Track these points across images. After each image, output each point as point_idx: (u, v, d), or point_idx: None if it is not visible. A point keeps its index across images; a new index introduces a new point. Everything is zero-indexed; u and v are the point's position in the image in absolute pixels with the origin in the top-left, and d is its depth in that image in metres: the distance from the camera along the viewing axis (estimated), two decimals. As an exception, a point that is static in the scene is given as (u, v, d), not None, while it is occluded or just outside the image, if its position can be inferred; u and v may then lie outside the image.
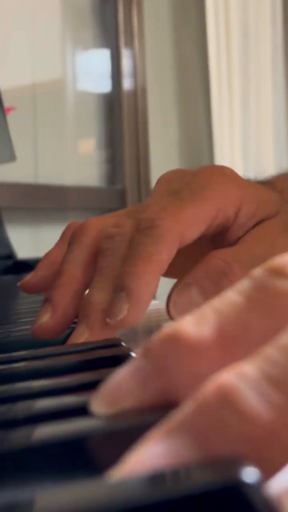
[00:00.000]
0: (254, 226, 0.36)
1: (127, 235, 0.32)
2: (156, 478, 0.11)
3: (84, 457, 0.14)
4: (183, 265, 0.34)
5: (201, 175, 0.36)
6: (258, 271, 0.16)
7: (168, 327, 0.15)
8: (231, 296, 0.15)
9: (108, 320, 0.29)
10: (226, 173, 0.36)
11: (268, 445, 0.12)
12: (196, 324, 0.15)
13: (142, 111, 1.94)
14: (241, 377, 0.13)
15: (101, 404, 0.15)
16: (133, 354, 0.23)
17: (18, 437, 0.15)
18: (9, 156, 0.99)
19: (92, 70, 1.90)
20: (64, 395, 0.18)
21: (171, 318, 0.33)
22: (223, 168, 0.37)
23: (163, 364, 0.15)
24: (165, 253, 0.30)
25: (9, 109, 1.34)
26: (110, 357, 0.23)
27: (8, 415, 0.17)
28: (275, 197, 0.37)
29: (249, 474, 0.11)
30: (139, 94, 1.93)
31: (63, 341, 0.31)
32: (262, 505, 0.11)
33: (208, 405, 0.13)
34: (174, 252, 0.31)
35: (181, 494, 0.11)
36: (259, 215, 0.36)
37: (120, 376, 0.15)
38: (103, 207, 1.87)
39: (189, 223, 0.32)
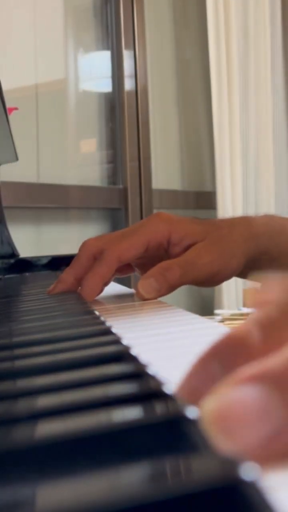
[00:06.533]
0: (189, 247, 0.58)
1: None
2: (157, 476, 0.12)
3: (86, 454, 0.14)
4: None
5: (145, 220, 0.60)
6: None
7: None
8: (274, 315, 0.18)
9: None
10: (161, 216, 0.59)
11: None
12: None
13: (143, 111, 1.94)
14: None
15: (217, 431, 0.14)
16: (132, 352, 0.23)
17: (21, 434, 0.15)
18: (12, 156, 0.99)
19: (93, 71, 1.91)
20: (65, 392, 0.19)
21: (139, 298, 0.55)
22: (161, 214, 0.60)
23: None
24: (105, 268, 0.55)
25: (11, 110, 1.34)
26: (110, 354, 0.23)
27: (10, 412, 0.17)
28: (201, 229, 0.59)
29: (248, 472, 0.11)
30: (140, 94, 1.93)
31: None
32: (261, 503, 0.11)
33: None
34: (113, 267, 0.56)
35: (182, 492, 0.11)
36: (188, 240, 0.58)
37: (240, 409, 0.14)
38: (104, 206, 1.88)
39: (124, 250, 0.56)
